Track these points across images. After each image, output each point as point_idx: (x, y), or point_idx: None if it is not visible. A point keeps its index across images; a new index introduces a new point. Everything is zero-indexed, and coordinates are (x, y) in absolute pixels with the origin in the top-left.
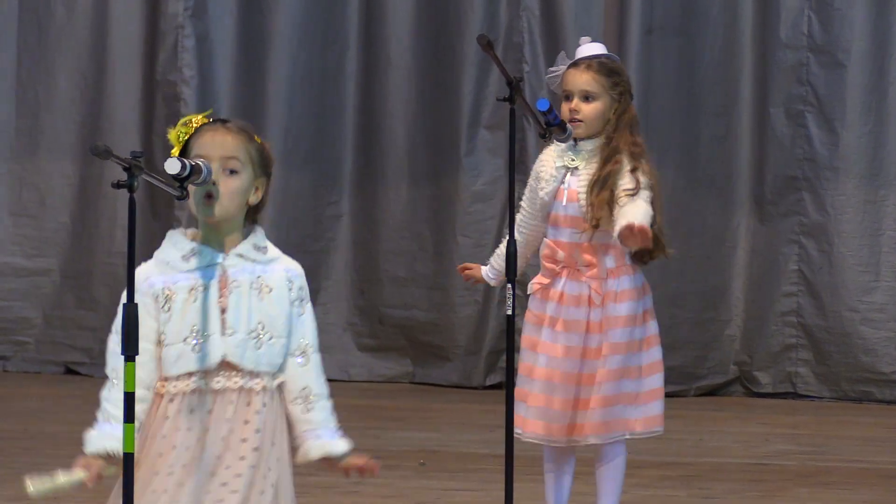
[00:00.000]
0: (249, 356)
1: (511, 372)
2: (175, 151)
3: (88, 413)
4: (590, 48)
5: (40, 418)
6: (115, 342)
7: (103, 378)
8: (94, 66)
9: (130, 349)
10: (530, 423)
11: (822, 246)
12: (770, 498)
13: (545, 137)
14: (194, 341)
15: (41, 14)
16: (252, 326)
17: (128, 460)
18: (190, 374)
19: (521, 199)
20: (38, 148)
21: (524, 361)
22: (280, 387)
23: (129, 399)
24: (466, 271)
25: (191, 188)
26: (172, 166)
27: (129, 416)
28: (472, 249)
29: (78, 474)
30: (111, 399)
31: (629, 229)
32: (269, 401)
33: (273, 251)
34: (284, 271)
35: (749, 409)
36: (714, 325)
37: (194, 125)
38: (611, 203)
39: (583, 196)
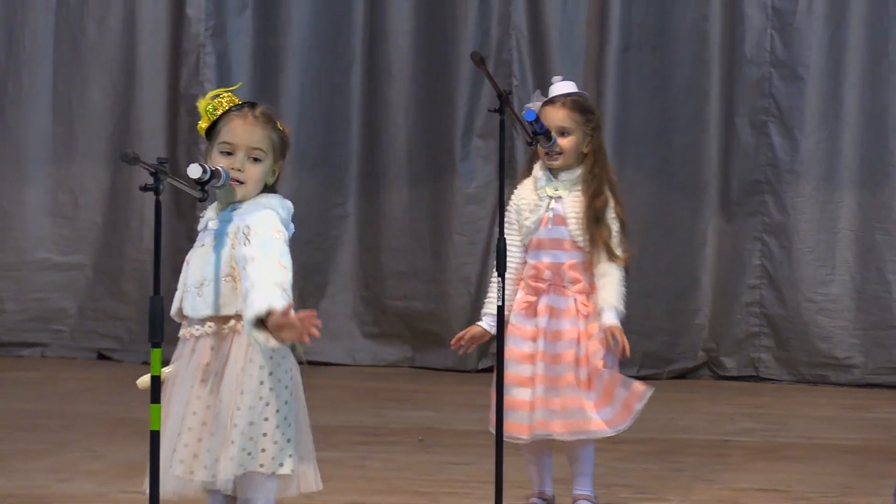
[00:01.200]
0: (190, 302)
1: (501, 356)
2: (202, 123)
3: (119, 394)
4: (563, 86)
5: (75, 399)
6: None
7: (134, 364)
8: (124, 80)
9: (156, 336)
10: (510, 424)
11: (782, 243)
12: (734, 471)
13: (532, 144)
14: (199, 288)
15: (76, 33)
16: (200, 278)
17: (153, 437)
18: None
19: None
20: (72, 154)
21: (509, 371)
22: (234, 331)
23: (156, 382)
24: (464, 341)
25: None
26: (194, 171)
27: (155, 397)
28: (466, 247)
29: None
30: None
31: (611, 335)
32: (220, 343)
33: (253, 204)
34: (254, 216)
35: (716, 391)
36: (685, 315)
37: (224, 105)
38: (608, 233)
39: (572, 221)
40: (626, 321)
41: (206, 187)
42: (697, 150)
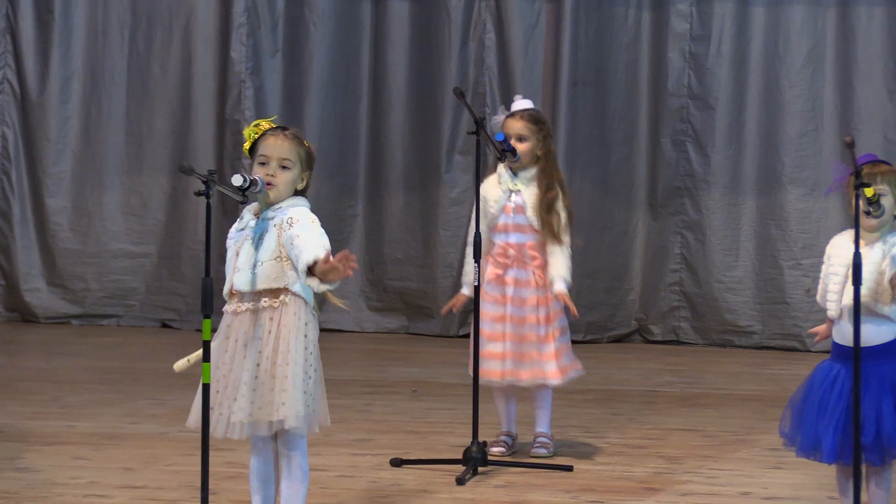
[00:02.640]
0: (244, 280)
1: (477, 325)
2: (246, 144)
3: (178, 355)
4: (522, 103)
5: (143, 359)
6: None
7: (190, 331)
8: (181, 109)
9: (206, 310)
10: (490, 372)
11: (697, 236)
12: (660, 415)
13: (501, 160)
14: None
15: (143, 73)
16: (252, 261)
17: (205, 391)
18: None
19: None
20: (141, 167)
21: (484, 329)
22: (285, 305)
23: (207, 346)
24: (455, 308)
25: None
26: (237, 180)
27: (206, 355)
28: (450, 239)
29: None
30: None
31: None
32: (273, 315)
33: (289, 204)
34: (283, 215)
35: (645, 352)
36: (620, 292)
37: (262, 129)
38: (557, 220)
39: (530, 210)
40: (575, 296)
41: (246, 193)
42: (630, 163)
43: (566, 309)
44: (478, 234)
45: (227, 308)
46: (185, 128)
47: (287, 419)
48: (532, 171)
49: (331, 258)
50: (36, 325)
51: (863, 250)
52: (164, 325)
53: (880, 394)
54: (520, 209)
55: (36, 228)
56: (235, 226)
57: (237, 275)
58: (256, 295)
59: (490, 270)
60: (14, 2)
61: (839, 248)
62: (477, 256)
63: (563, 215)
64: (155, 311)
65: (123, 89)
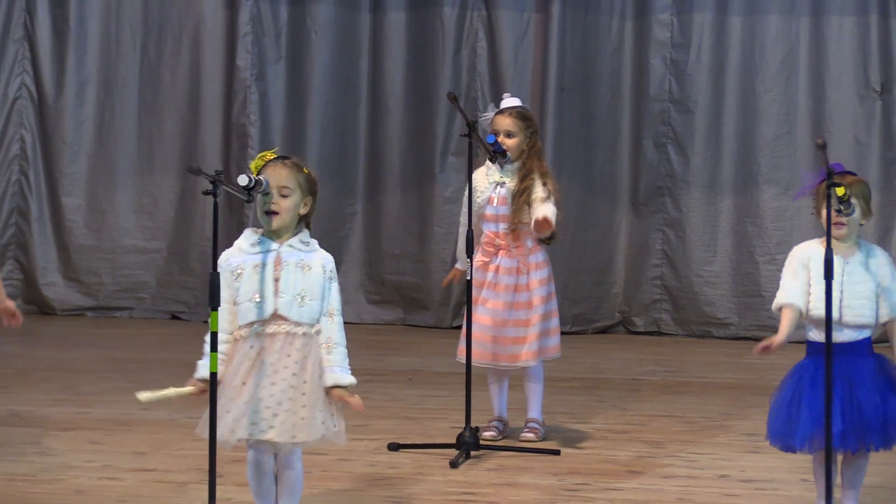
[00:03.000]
0: (294, 311)
1: (469, 318)
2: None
3: (187, 345)
4: (511, 101)
5: (154, 349)
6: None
7: (198, 322)
8: (190, 113)
9: (214, 302)
10: (478, 354)
11: (678, 233)
12: (642, 401)
13: (493, 161)
14: (257, 300)
15: (154, 79)
16: (297, 291)
17: (213, 378)
18: (252, 323)
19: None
20: (152, 167)
21: (476, 314)
22: (316, 334)
23: (214, 337)
24: (450, 279)
25: (258, 203)
26: (242, 180)
27: (213, 346)
28: (444, 235)
29: (188, 388)
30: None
31: (538, 222)
32: (307, 342)
33: (314, 245)
34: (321, 258)
35: (628, 343)
36: (605, 286)
37: (266, 160)
38: (528, 206)
39: (510, 201)
40: (562, 290)
41: (252, 193)
42: (614, 164)
43: (551, 293)
44: (470, 231)
45: (266, 329)
46: (193, 131)
47: (324, 436)
48: (517, 165)
49: (348, 398)
50: (53, 317)
51: (839, 259)
52: (174, 317)
53: (874, 384)
54: (504, 200)
55: (53, 226)
56: (252, 243)
57: (283, 301)
58: (297, 323)
59: (478, 258)
60: (32, 12)
61: (816, 258)
62: (470, 252)
63: (542, 193)
64: (165, 303)
65: (135, 94)
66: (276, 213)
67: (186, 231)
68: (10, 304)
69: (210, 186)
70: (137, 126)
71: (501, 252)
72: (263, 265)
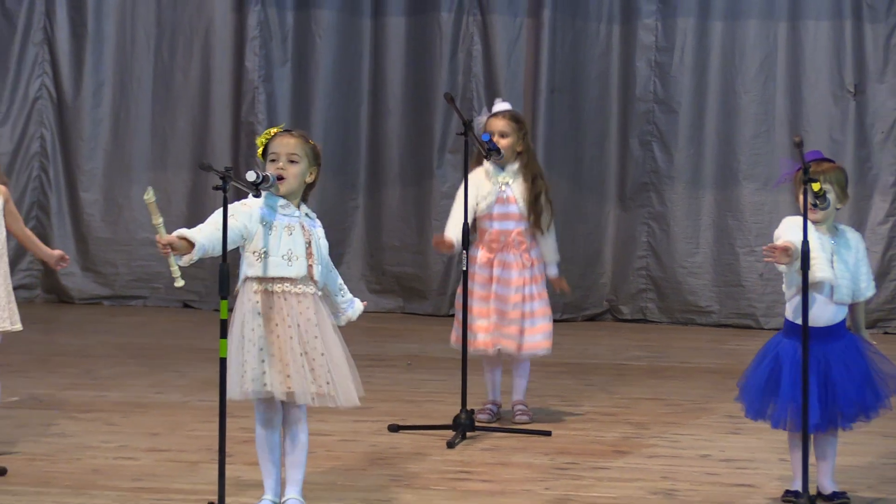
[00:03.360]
0: (322, 277)
1: (466, 307)
2: (259, 149)
3: (199, 331)
4: (502, 105)
5: (167, 336)
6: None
7: (209, 311)
8: (201, 113)
9: (224, 291)
10: (476, 342)
11: (662, 226)
12: (628, 385)
13: (488, 158)
14: (289, 259)
15: (167, 79)
16: (325, 261)
17: (222, 364)
18: (283, 279)
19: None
20: (165, 164)
21: (473, 306)
22: (323, 292)
23: (224, 325)
24: (440, 241)
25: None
26: (251, 176)
27: (223, 333)
28: (441, 229)
29: (162, 232)
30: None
31: (554, 282)
32: (316, 302)
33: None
34: (321, 230)
35: (615, 330)
36: (593, 276)
37: (272, 134)
38: (542, 209)
39: (520, 199)
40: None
41: (259, 187)
42: (602, 161)
43: (551, 288)
44: (465, 224)
45: (276, 288)
46: (204, 129)
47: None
48: (516, 166)
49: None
50: (71, 305)
51: (813, 235)
52: (186, 306)
53: (849, 368)
54: (511, 200)
55: (71, 219)
56: (281, 204)
57: (317, 269)
58: (298, 279)
59: (482, 255)
60: (51, 16)
61: (811, 231)
62: (465, 245)
63: (546, 207)
64: (177, 293)
65: (149, 94)
66: (284, 178)
67: (198, 224)
68: (56, 251)
69: (220, 182)
70: (151, 124)
71: (505, 249)
72: (292, 228)
